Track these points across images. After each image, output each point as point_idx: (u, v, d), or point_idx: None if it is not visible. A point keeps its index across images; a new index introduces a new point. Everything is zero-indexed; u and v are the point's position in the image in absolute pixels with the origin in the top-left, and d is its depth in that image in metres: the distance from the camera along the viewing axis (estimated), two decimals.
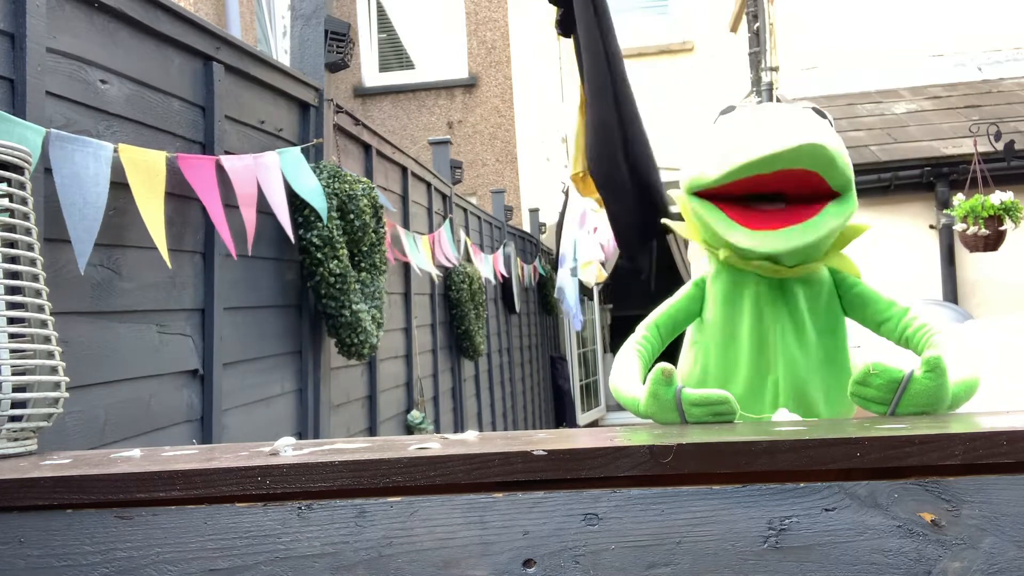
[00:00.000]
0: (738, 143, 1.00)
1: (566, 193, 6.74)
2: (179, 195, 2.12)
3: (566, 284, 7.00)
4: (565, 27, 2.89)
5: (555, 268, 7.37)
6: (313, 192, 2.61)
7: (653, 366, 0.98)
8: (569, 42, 2.97)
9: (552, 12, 2.96)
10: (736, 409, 0.89)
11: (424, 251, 3.99)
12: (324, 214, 2.64)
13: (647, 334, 1.11)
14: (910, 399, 0.86)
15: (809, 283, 1.09)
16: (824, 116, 1.08)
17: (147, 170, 1.89)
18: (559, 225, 6.87)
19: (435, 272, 4.14)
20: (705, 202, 1.05)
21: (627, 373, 1.02)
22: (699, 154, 1.06)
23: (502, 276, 6.26)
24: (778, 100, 6.06)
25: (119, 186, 1.89)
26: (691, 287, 1.15)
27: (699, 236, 1.12)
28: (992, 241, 4.32)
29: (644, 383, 0.96)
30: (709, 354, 1.14)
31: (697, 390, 0.90)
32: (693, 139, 1.10)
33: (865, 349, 1.21)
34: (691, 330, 1.18)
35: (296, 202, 2.69)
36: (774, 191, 1.02)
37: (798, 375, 1.08)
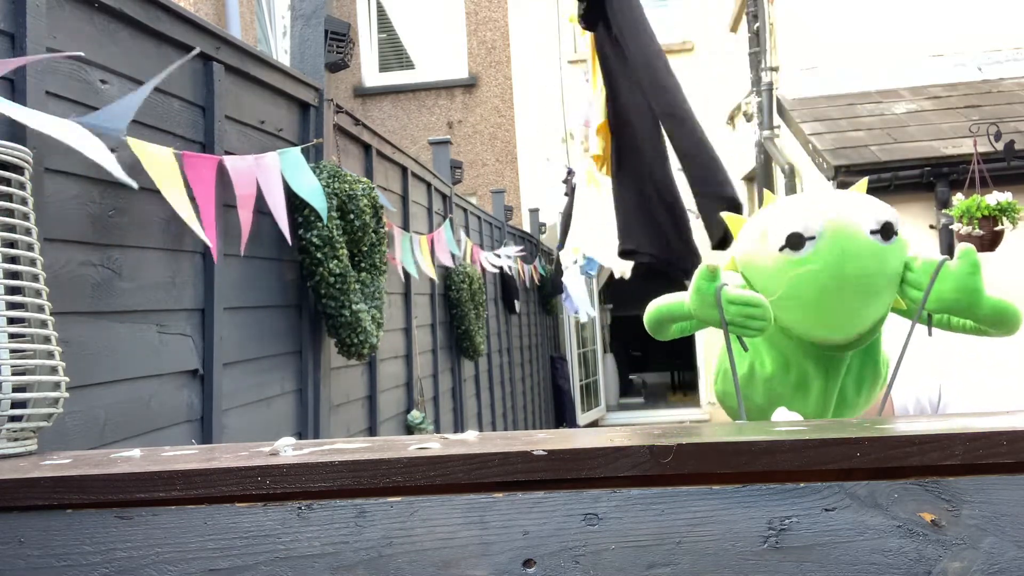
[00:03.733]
0: (815, 319, 1.02)
1: (569, 194, 6.72)
2: None
3: (571, 282, 6.97)
4: (589, 20, 2.87)
5: (558, 265, 7.33)
6: (313, 192, 2.61)
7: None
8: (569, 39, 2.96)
9: (575, 6, 2.95)
10: (769, 316, 0.92)
11: (422, 252, 3.98)
12: (324, 214, 2.64)
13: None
14: (943, 283, 0.90)
15: None
16: (891, 233, 1.01)
17: (161, 163, 1.90)
18: (565, 221, 6.82)
19: (432, 273, 4.11)
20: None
21: (671, 296, 1.05)
22: (787, 296, 1.04)
23: (505, 268, 6.24)
24: (779, 102, 6.05)
25: (119, 186, 1.89)
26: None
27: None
28: (988, 242, 4.31)
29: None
30: (759, 356, 1.16)
31: (737, 290, 0.94)
32: (762, 221, 1.07)
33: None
34: None
35: (296, 202, 2.69)
36: None
37: (840, 370, 1.10)
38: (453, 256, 4.68)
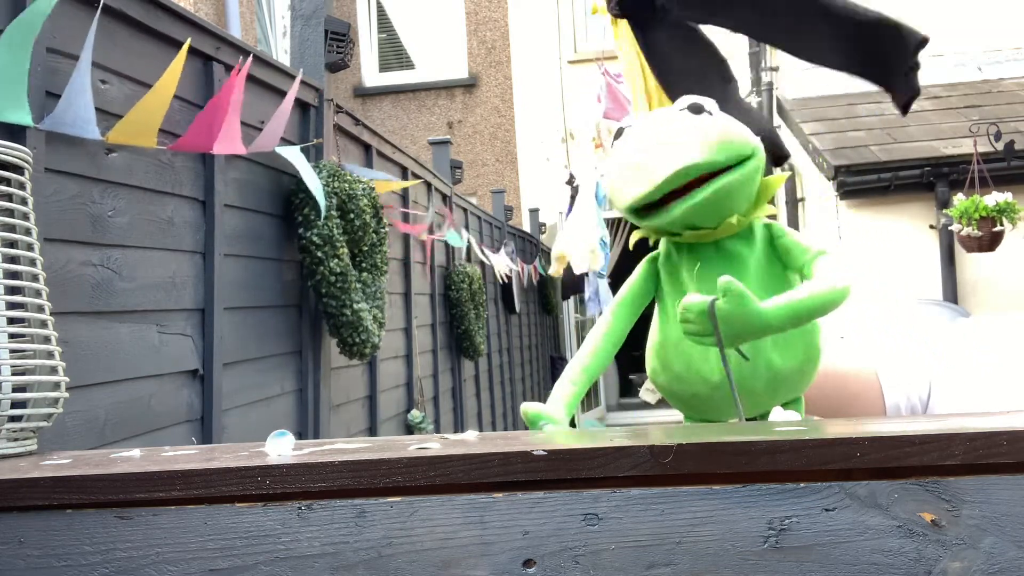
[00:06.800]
0: (624, 180, 1.05)
1: (573, 196, 6.67)
2: (179, 195, 2.13)
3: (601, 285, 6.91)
4: (623, 6, 2.87)
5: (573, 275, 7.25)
6: (313, 188, 2.61)
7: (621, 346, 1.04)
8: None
9: None
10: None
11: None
12: (323, 205, 2.63)
13: (611, 319, 1.15)
14: (726, 327, 0.88)
15: (746, 242, 1.12)
16: (701, 110, 1.09)
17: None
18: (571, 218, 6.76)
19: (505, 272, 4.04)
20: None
21: (567, 373, 1.05)
22: (608, 175, 1.12)
23: (503, 269, 6.22)
24: (779, 101, 6.06)
25: (119, 186, 1.89)
26: (645, 264, 1.19)
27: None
28: (987, 242, 4.32)
29: (592, 368, 1.00)
30: (666, 324, 1.16)
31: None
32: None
33: (848, 339, 1.21)
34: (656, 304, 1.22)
35: (295, 201, 2.69)
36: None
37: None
38: (459, 234, 4.63)
